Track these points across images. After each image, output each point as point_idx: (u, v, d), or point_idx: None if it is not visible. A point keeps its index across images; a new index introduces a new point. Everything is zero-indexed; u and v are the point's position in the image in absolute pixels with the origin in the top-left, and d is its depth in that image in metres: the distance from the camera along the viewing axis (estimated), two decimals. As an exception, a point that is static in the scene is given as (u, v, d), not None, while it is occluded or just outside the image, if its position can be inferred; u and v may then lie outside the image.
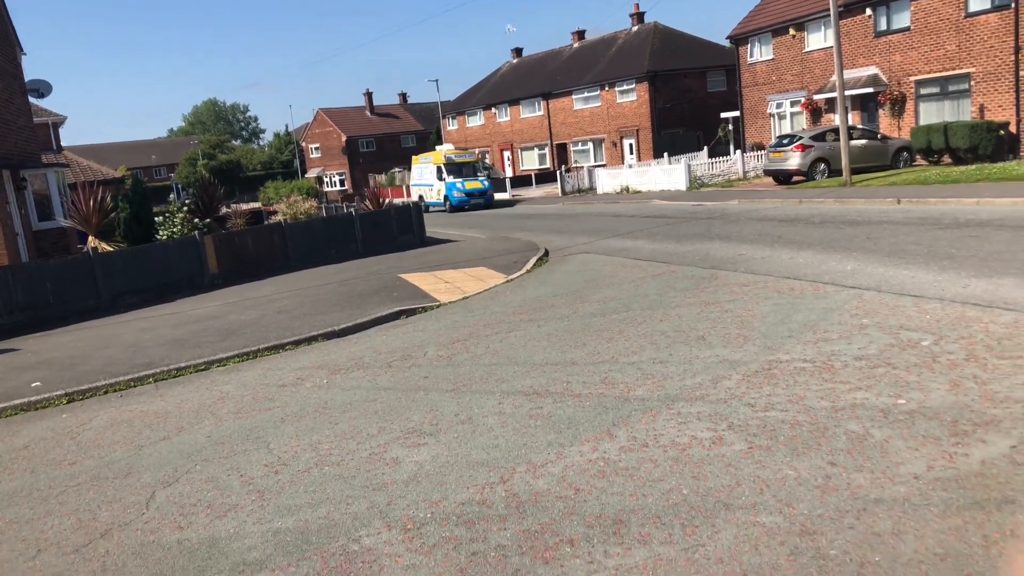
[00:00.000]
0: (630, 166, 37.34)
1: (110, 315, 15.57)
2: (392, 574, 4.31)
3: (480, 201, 36.32)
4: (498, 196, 43.92)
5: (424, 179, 39.42)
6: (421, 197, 38.57)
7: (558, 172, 40.13)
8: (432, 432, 6.57)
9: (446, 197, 36.80)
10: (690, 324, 9.05)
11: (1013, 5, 23.77)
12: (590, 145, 47.14)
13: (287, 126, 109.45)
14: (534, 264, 15.79)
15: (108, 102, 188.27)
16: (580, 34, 53.93)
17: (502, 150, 54.57)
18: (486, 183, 37.07)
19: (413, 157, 42.44)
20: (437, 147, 41.41)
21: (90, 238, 20.83)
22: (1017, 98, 24.24)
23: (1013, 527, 3.86)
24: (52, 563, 5.06)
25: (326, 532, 4.95)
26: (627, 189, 34.20)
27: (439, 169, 37.48)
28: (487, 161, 46.21)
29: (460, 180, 36.60)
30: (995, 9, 24.45)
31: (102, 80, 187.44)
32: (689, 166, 31.27)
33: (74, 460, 7.21)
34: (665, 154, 37.24)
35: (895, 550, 3.86)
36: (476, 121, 56.96)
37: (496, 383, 7.80)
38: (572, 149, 48.56)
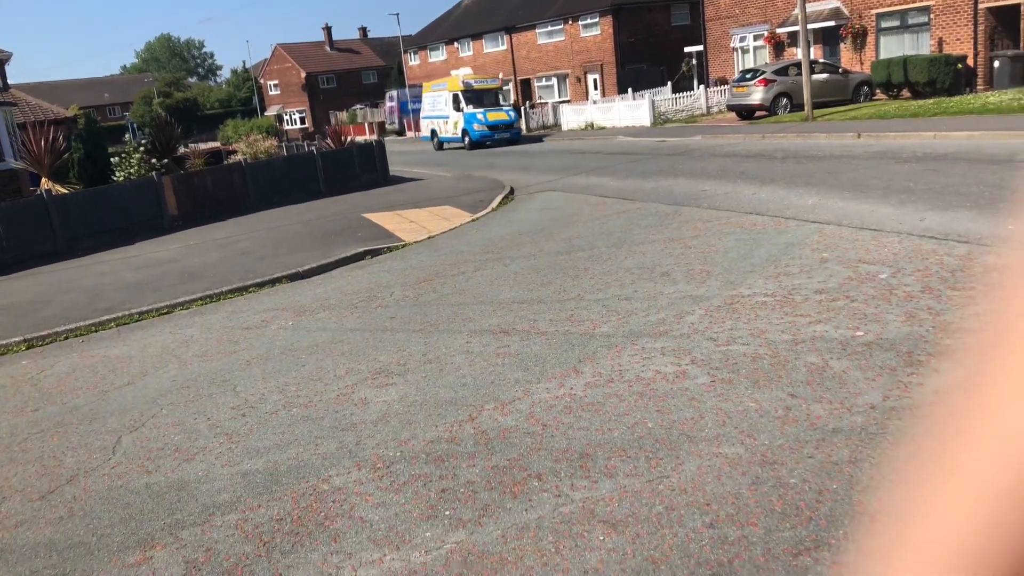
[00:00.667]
0: (594, 102, 37.01)
1: (67, 259, 15.24)
2: (363, 512, 4.37)
3: (506, 136, 30.85)
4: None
5: (436, 110, 33.63)
6: (434, 132, 33.71)
7: (522, 108, 39.64)
8: (400, 372, 6.60)
9: (465, 131, 31.25)
10: (654, 260, 9.12)
11: (976, -64, 23.64)
12: (554, 81, 46.53)
13: (244, 63, 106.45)
14: (499, 203, 15.71)
15: (56, 38, 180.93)
16: (543, -34, 52.64)
17: (465, 86, 53.63)
18: (512, 114, 31.80)
19: (424, 85, 36.68)
20: (453, 71, 35.82)
21: (43, 180, 20.23)
22: (975, 32, 24.32)
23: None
24: (17, 511, 5.04)
25: (295, 473, 4.98)
26: (592, 125, 33.96)
27: (455, 98, 31.73)
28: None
29: (481, 111, 30.85)
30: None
31: (49, 15, 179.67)
32: (653, 102, 31.08)
33: (36, 407, 7.14)
34: (629, 90, 36.89)
35: (852, 478, 4.00)
36: (439, 56, 55.81)
37: (463, 322, 7.82)
38: (536, 85, 47.91)
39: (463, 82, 31.83)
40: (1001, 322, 0.52)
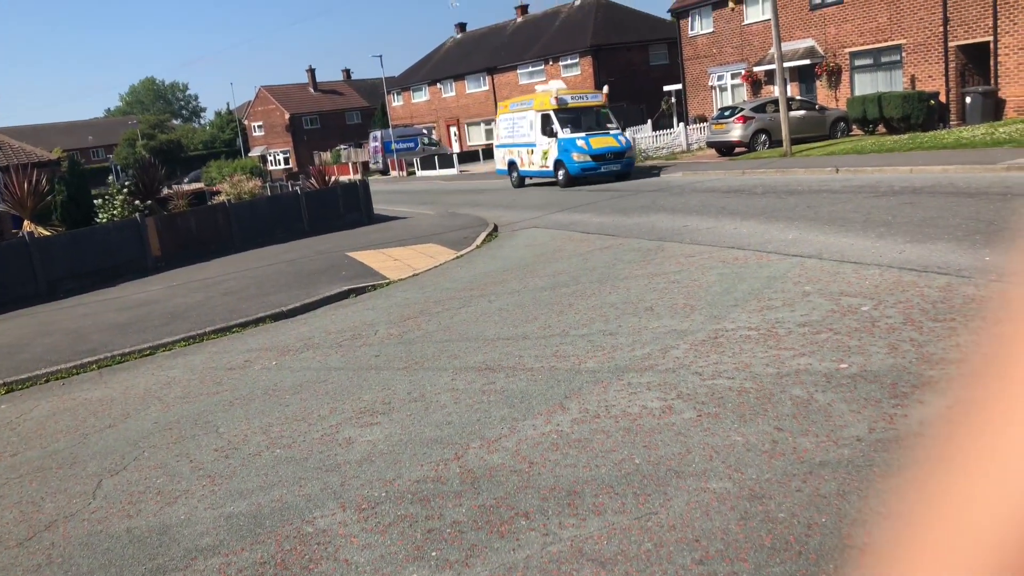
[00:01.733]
0: (577, 140, 37.27)
1: (49, 301, 15.10)
2: (348, 554, 4.30)
3: (615, 168, 23.69)
4: (445, 172, 43.69)
5: (517, 136, 26.55)
6: (512, 165, 26.93)
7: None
8: (385, 411, 6.55)
9: (559, 163, 24.12)
10: (638, 295, 9.15)
11: (944, -23, 24.30)
12: (536, 119, 46.98)
13: (228, 104, 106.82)
14: (484, 239, 15.76)
15: (41, 82, 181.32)
16: (523, 8, 53.54)
17: (448, 126, 54.14)
18: (623, 139, 24.42)
19: (499, 105, 29.31)
20: (540, 87, 27.67)
21: (25, 222, 20.12)
22: (946, 69, 24.88)
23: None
24: (-4, 558, 4.92)
25: (279, 515, 4.91)
26: (574, 163, 34.18)
27: (546, 119, 24.74)
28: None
29: (582, 135, 23.82)
30: (928, -20, 24.99)
31: (35, 59, 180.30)
32: (634, 139, 31.45)
33: (15, 451, 7.02)
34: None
35: (840, 511, 3.99)
36: (422, 97, 56.35)
37: (448, 359, 7.79)
38: (518, 124, 48.34)
39: (556, 99, 24.67)
40: (982, 352, 0.53)
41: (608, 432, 5.37)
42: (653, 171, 24.96)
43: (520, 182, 26.94)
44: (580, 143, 23.59)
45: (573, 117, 24.57)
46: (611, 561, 3.83)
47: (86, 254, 16.69)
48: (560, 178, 24.29)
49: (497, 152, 28.72)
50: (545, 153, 24.81)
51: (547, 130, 24.62)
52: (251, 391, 7.78)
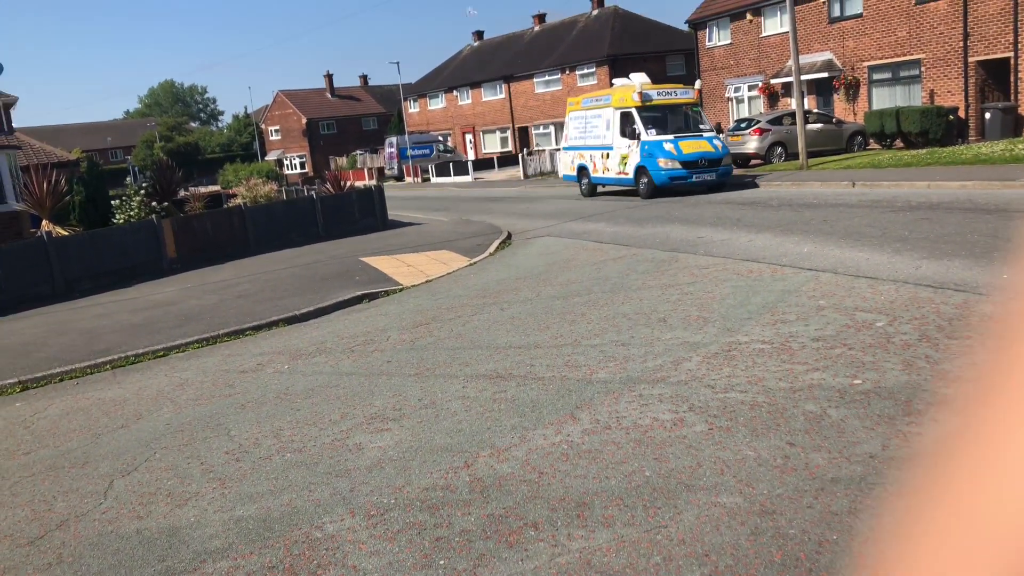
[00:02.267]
0: (592, 149, 37.32)
1: (65, 301, 15.22)
2: (356, 560, 4.30)
3: (708, 177, 20.38)
4: (460, 179, 43.79)
5: (589, 137, 23.20)
6: (582, 170, 23.60)
7: (520, 155, 40.01)
8: (395, 417, 6.56)
9: (641, 170, 20.79)
10: (651, 306, 9.13)
11: (964, -9, 24.20)
12: (552, 128, 47.08)
13: (246, 108, 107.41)
14: (497, 247, 15.78)
15: (62, 83, 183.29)
16: (541, 17, 53.70)
17: (464, 133, 54.29)
18: (718, 143, 21.00)
19: (569, 101, 25.38)
20: (617, 81, 24.01)
21: (44, 222, 20.30)
22: (965, 84, 24.74)
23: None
24: (5, 556, 4.95)
25: (288, 519, 4.92)
26: (589, 172, 34.22)
27: (626, 118, 21.38)
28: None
29: (670, 138, 20.47)
30: (946, -4, 24.91)
31: (56, 60, 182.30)
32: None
33: (28, 450, 7.06)
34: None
35: (852, 529, 3.95)
36: (438, 104, 56.56)
37: (460, 367, 7.80)
38: (534, 132, 48.48)
39: (640, 94, 21.27)
40: (999, 372, 0.53)
41: (619, 443, 5.35)
42: (745, 179, 21.79)
43: (591, 190, 23.50)
44: (668, 147, 20.17)
45: (659, 116, 21.11)
46: (619, 574, 3.81)
47: (103, 254, 16.82)
48: (642, 188, 20.89)
49: (564, 155, 25.30)
50: (624, 158, 21.36)
51: (627, 131, 21.22)
52: (263, 394, 7.81)
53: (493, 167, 45.82)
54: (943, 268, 9.05)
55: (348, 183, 28.34)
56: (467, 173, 43.62)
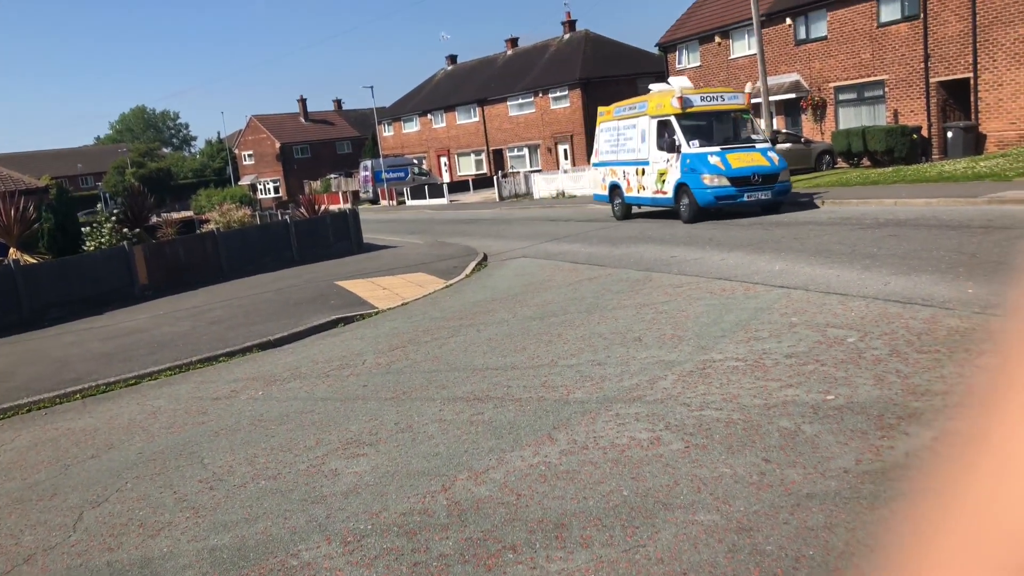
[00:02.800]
0: (565, 171, 37.66)
1: (34, 330, 14.98)
2: (333, 587, 4.25)
3: (763, 196, 17.38)
4: (435, 202, 43.86)
5: (622, 151, 20.25)
6: (614, 189, 20.70)
7: (495, 177, 40.18)
8: (371, 442, 6.51)
9: (682, 188, 17.87)
10: (626, 326, 9.17)
11: (922, 16, 24.81)
12: (526, 151, 47.41)
13: (219, 133, 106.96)
14: (473, 269, 15.79)
15: (31, 109, 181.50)
16: (514, 42, 54.19)
17: (439, 156, 54.45)
18: (773, 157, 17.89)
19: (600, 111, 22.09)
20: (654, 86, 20.41)
21: (11, 250, 20.03)
22: (928, 104, 25.30)
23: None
24: (-27, 591, 4.83)
25: (264, 548, 4.85)
26: (563, 194, 34.48)
27: (663, 127, 18.42)
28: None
29: (716, 151, 17.59)
30: (905, 19, 25.52)
31: (24, 86, 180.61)
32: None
33: (-5, 483, 6.91)
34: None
35: (828, 544, 3.98)
36: (412, 127, 56.73)
37: (436, 389, 7.77)
38: (508, 155, 48.75)
39: (680, 99, 18.16)
40: (967, 384, 0.54)
41: (596, 463, 5.35)
42: (801, 198, 18.61)
43: (625, 212, 20.65)
44: (714, 161, 17.24)
45: (703, 125, 18.22)
46: (598, 595, 3.80)
47: (73, 282, 16.60)
48: (683, 210, 17.90)
49: (594, 172, 22.42)
50: (662, 174, 18.36)
51: (666, 143, 18.20)
52: (237, 421, 7.72)
53: (468, 189, 45.95)
54: (911, 284, 9.19)
55: (323, 207, 28.28)
56: (442, 196, 43.72)
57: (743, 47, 32.25)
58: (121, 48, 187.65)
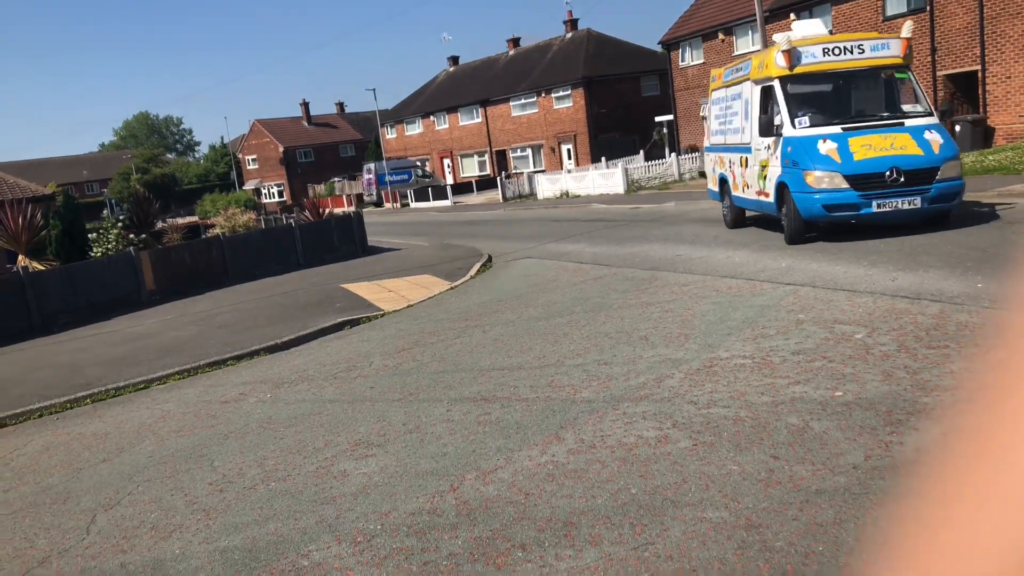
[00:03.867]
0: (569, 171, 37.66)
1: (44, 336, 15.06)
2: (344, 588, 4.27)
3: (911, 203, 11.42)
4: (439, 204, 43.88)
5: (728, 132, 15.05)
6: (723, 184, 15.42)
7: (498, 178, 40.20)
8: (380, 443, 6.53)
9: (781, 187, 12.25)
10: (632, 325, 9.17)
11: (928, 8, 24.74)
12: (529, 151, 47.41)
13: (223, 138, 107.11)
14: (478, 270, 15.81)
15: (36, 117, 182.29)
16: (515, 42, 54.20)
17: (442, 158, 54.50)
18: (932, 140, 11.61)
19: (712, 74, 16.78)
20: (777, 35, 13.24)
21: (20, 257, 20.14)
22: (935, 97, 25.18)
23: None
24: (-13, 595, 4.87)
25: (275, 548, 4.87)
26: (566, 194, 34.47)
27: (766, 96, 12.88)
28: None
29: (834, 131, 11.71)
30: (911, 12, 25.43)
31: (29, 94, 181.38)
32: (626, 170, 31.68)
33: (8, 487, 6.96)
34: (603, 158, 37.62)
35: (838, 540, 3.98)
36: (415, 129, 56.79)
37: (443, 390, 7.79)
38: (511, 155, 48.76)
39: (787, 52, 12.29)
40: (977, 379, 0.55)
41: (604, 462, 5.36)
42: (978, 207, 13.35)
43: (736, 217, 15.17)
44: (826, 149, 11.61)
45: (826, 92, 12.74)
46: (609, 592, 3.81)
47: (80, 288, 16.68)
48: (784, 222, 12.53)
49: (707, 161, 17.20)
50: (764, 167, 12.98)
51: (767, 120, 12.63)
52: (246, 424, 7.75)
53: (472, 191, 45.98)
54: (918, 279, 9.17)
55: (327, 210, 28.35)
56: (446, 197, 43.75)
57: (747, 43, 32.19)
58: (123, 54, 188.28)
